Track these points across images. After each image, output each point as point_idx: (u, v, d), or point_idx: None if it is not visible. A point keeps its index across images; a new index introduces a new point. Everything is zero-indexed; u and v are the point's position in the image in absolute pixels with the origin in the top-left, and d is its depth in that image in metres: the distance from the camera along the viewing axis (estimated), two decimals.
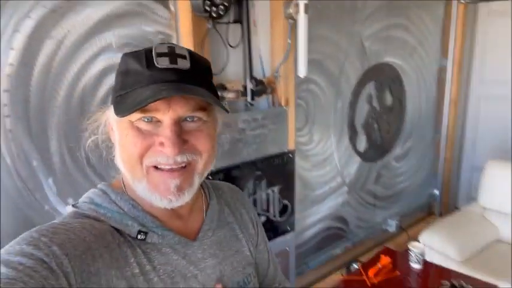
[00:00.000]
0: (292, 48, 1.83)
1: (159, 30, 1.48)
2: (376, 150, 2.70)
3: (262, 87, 1.68)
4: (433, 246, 2.26)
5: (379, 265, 1.88)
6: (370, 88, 2.53)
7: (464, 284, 1.71)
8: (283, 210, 1.94)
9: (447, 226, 2.39)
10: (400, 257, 1.97)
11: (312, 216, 2.31)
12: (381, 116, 2.67)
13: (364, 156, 2.59)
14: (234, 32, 1.63)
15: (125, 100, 0.54)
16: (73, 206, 0.60)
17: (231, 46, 1.60)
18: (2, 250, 0.48)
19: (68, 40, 1.26)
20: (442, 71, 3.19)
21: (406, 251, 1.92)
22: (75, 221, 0.55)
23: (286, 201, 1.95)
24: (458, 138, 3.52)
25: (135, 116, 0.54)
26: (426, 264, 1.89)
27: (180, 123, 0.55)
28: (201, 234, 0.64)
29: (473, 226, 2.43)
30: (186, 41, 1.50)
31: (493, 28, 3.18)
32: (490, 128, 3.37)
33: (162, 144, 0.54)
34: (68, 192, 1.32)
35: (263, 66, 1.81)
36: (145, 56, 0.54)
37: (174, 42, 1.53)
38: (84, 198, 0.61)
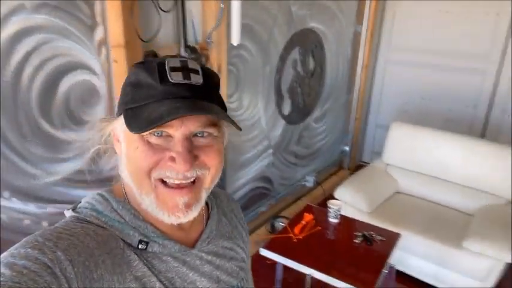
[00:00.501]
0: (225, 13, 1.78)
1: None
2: (299, 113, 2.85)
3: (196, 55, 1.62)
4: (346, 200, 2.54)
5: (303, 222, 2.07)
6: (295, 53, 2.60)
7: (373, 234, 2.00)
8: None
9: (357, 182, 2.69)
10: (320, 213, 2.19)
11: (241, 179, 2.41)
12: (304, 81, 2.79)
13: (288, 119, 2.72)
14: None
15: (138, 115, 0.53)
16: (73, 210, 0.59)
17: (163, 10, 1.49)
18: (6, 253, 0.48)
19: None
20: (356, 37, 3.40)
21: (325, 208, 2.14)
22: (78, 226, 0.54)
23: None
24: (366, 100, 3.88)
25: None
26: (342, 218, 2.14)
27: (191, 138, 0.55)
28: (199, 242, 0.65)
29: (378, 180, 2.78)
30: (112, 3, 1.36)
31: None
32: (393, 90, 3.76)
33: (172, 159, 0.53)
34: None
35: (195, 32, 1.74)
36: (158, 70, 0.53)
37: (99, 3, 1.37)
38: (84, 203, 0.60)
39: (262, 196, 2.68)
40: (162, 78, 0.53)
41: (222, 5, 1.75)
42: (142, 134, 0.53)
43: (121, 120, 0.56)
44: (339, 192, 2.57)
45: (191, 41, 1.71)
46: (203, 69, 0.56)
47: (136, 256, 0.56)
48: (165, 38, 1.60)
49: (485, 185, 2.52)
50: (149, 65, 0.54)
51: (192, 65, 0.55)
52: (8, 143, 1.23)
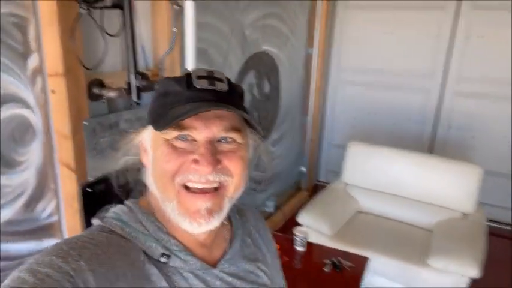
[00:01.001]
0: (178, 37, 1.67)
1: (12, 11, 1.14)
2: None
3: (148, 83, 1.49)
4: (309, 225, 2.47)
5: None
6: (250, 77, 2.54)
7: (342, 260, 1.94)
8: None
9: (318, 204, 2.64)
10: (285, 242, 2.09)
11: None
12: (260, 104, 2.73)
13: None
14: (111, 18, 1.38)
15: (163, 116, 0.55)
16: (100, 219, 0.60)
17: (109, 35, 1.35)
18: (33, 259, 0.49)
19: None
20: (308, 60, 3.44)
21: (289, 235, 2.05)
22: (103, 236, 0.55)
23: None
24: (320, 120, 3.91)
25: (172, 135, 0.55)
26: (308, 245, 2.06)
27: (215, 143, 0.56)
28: (222, 262, 0.65)
29: (339, 201, 2.75)
30: (49, 27, 1.20)
31: (349, 21, 3.55)
32: (344, 110, 3.84)
33: (196, 161, 0.54)
34: None
35: (146, 58, 1.60)
36: (186, 79, 0.56)
37: (33, 27, 1.20)
38: (111, 213, 0.61)
39: None
40: (189, 85, 0.56)
41: (174, 29, 1.64)
42: (168, 138, 0.55)
43: (149, 129, 0.59)
44: (302, 217, 2.50)
45: (142, 67, 1.58)
46: (229, 80, 0.60)
47: (156, 270, 0.56)
48: (112, 64, 1.45)
49: (440, 200, 2.58)
50: (178, 76, 0.58)
51: (218, 74, 0.58)
52: None
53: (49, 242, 1.38)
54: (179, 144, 0.56)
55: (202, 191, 0.56)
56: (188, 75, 0.57)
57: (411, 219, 2.65)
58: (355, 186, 2.86)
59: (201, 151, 0.55)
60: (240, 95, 0.62)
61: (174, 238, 0.60)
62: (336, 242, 2.32)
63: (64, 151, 1.34)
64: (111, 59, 1.44)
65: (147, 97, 1.63)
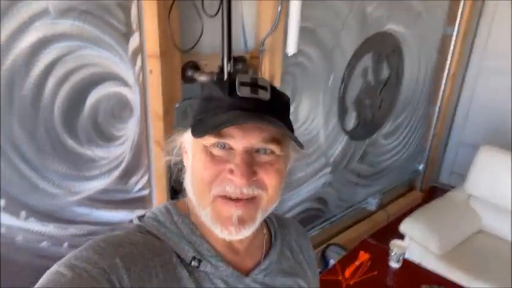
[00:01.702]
0: (282, 17, 1.54)
1: None
2: (365, 127, 2.50)
3: (243, 66, 1.41)
4: (413, 236, 2.17)
5: (356, 263, 1.77)
6: (367, 60, 2.26)
7: None
8: None
9: (429, 214, 2.29)
10: (379, 252, 1.86)
11: (290, 201, 2.16)
12: (375, 91, 2.44)
13: (351, 135, 2.40)
14: None
15: (203, 123, 0.55)
16: (139, 218, 0.61)
17: (208, 15, 1.29)
18: (71, 254, 0.51)
19: None
20: (445, 41, 2.92)
21: (387, 241, 1.81)
22: (139, 235, 0.57)
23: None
24: (450, 113, 3.36)
25: (210, 141, 0.55)
26: (405, 263, 1.80)
27: (253, 153, 0.55)
28: (255, 271, 0.63)
29: (457, 215, 2.34)
30: (149, 7, 1.20)
31: None
32: (484, 104, 3.21)
33: (231, 171, 0.54)
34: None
35: (246, 39, 1.52)
36: (228, 84, 0.56)
37: (135, 7, 1.21)
38: (150, 213, 0.62)
39: (314, 218, 2.41)
40: (231, 91, 0.55)
41: (279, 8, 1.50)
42: (206, 145, 0.55)
43: (190, 132, 0.58)
44: (406, 226, 2.20)
45: (241, 49, 1.50)
46: (273, 88, 0.58)
47: (187, 273, 0.56)
48: (210, 46, 1.41)
49: None
50: (222, 81, 0.58)
51: (261, 82, 0.57)
52: (26, 160, 1.13)
53: (140, 213, 1.47)
54: (217, 152, 0.55)
55: (237, 200, 0.55)
56: (232, 81, 0.56)
57: None
58: (480, 200, 2.39)
59: (237, 161, 0.54)
60: (284, 104, 0.60)
61: (207, 242, 0.60)
62: (443, 265, 1.99)
63: (156, 130, 1.37)
64: (209, 40, 1.39)
65: None
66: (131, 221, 0.63)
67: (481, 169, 2.38)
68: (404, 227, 2.19)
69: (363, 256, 1.81)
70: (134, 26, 1.24)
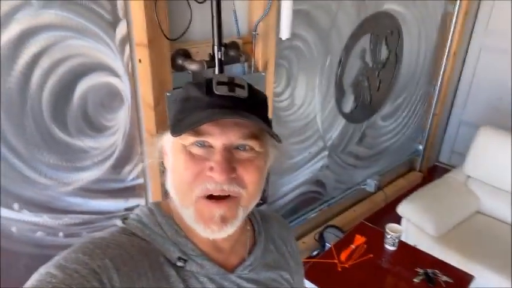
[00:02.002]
0: (275, 1, 1.49)
1: None
2: (364, 110, 2.48)
3: (235, 54, 1.38)
4: (410, 218, 2.18)
5: (352, 246, 1.79)
6: (364, 42, 2.22)
7: (439, 273, 1.66)
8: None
9: (427, 196, 2.29)
10: (375, 234, 1.88)
11: (288, 184, 2.17)
12: (373, 73, 2.40)
13: (349, 118, 2.38)
14: None
15: (181, 122, 0.56)
16: (123, 221, 0.61)
17: (197, 1, 1.26)
18: (59, 256, 0.51)
19: None
20: (446, 19, 2.84)
21: (384, 223, 1.83)
22: (124, 237, 0.57)
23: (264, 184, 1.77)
24: (451, 92, 3.31)
25: (189, 140, 0.55)
26: (401, 245, 1.82)
27: (232, 150, 0.55)
28: (240, 268, 0.64)
29: (454, 196, 2.34)
30: None
31: None
32: (485, 82, 3.16)
33: (211, 169, 0.54)
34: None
35: (238, 24, 1.48)
36: (206, 85, 0.56)
37: None
38: (133, 214, 0.62)
39: (312, 201, 2.42)
40: (209, 90, 0.55)
41: None
42: (185, 144, 0.55)
43: (169, 134, 0.58)
44: (403, 208, 2.21)
45: (233, 35, 1.47)
46: (250, 86, 0.59)
47: (175, 273, 0.57)
48: (200, 33, 1.38)
49: None
50: (200, 82, 0.57)
51: (238, 81, 0.57)
52: (15, 153, 1.13)
53: (135, 201, 1.48)
54: (196, 150, 0.55)
55: (218, 199, 0.56)
56: (209, 81, 0.56)
57: None
58: (479, 181, 2.38)
59: (216, 158, 0.54)
60: (262, 102, 0.61)
61: (191, 242, 0.61)
62: (440, 246, 2.00)
63: (148, 119, 1.36)
64: (199, 27, 1.36)
65: (236, 67, 1.53)
66: (116, 224, 0.62)
67: (480, 150, 2.36)
68: (401, 208, 2.20)
69: (359, 239, 1.83)
70: (121, 14, 1.21)
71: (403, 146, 3.12)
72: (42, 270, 0.49)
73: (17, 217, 1.19)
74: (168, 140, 0.60)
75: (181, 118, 0.57)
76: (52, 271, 0.48)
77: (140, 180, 1.47)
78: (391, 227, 1.79)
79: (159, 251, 0.58)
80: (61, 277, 0.47)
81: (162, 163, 0.64)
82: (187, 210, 0.57)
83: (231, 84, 0.56)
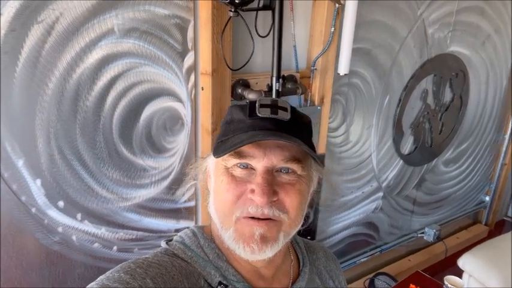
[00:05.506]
0: (335, 38, 1.53)
1: (175, 13, 1.24)
2: (424, 152, 2.37)
3: (292, 86, 1.42)
4: (472, 273, 1.98)
5: None
6: (426, 83, 2.16)
7: None
8: (304, 219, 1.74)
9: (493, 250, 2.07)
10: (432, 287, 1.73)
11: (338, 223, 2.09)
12: (435, 115, 2.31)
13: (407, 160, 2.28)
14: (265, 19, 1.36)
15: (224, 144, 0.56)
16: (166, 242, 0.62)
17: (260, 36, 1.33)
18: (103, 276, 0.52)
19: (60, 25, 1.07)
20: None
21: (441, 283, 1.68)
22: (166, 258, 0.57)
23: (308, 210, 1.73)
24: None
25: (231, 162, 0.55)
26: None
27: (274, 173, 0.55)
28: None
29: None
30: (204, 28, 1.26)
31: None
32: None
33: (253, 191, 0.54)
34: (58, 194, 1.20)
35: (297, 59, 1.53)
36: (249, 107, 0.57)
37: (191, 28, 1.29)
38: (177, 236, 0.63)
39: (363, 244, 2.30)
40: (251, 113, 0.56)
41: (332, 28, 1.51)
42: (228, 166, 0.56)
43: (212, 156, 0.59)
44: (464, 261, 2.02)
45: (291, 67, 1.52)
46: (293, 108, 0.58)
47: None
48: (261, 65, 1.44)
49: None
50: (243, 104, 0.58)
51: (281, 103, 0.57)
52: (85, 166, 1.23)
53: (185, 223, 1.51)
54: (238, 173, 0.56)
55: (258, 219, 0.55)
56: (252, 104, 0.57)
57: None
58: None
59: (257, 180, 0.54)
60: (305, 124, 0.60)
61: (233, 267, 0.60)
62: None
63: (205, 144, 1.42)
64: (260, 59, 1.43)
65: (293, 99, 1.57)
66: (161, 245, 0.64)
67: None
68: (463, 262, 2.01)
69: None
70: (190, 45, 1.31)
71: (468, 196, 2.89)
72: None
73: (78, 226, 1.27)
74: (211, 162, 0.61)
75: (224, 140, 0.57)
76: None
77: (192, 203, 1.51)
78: (450, 279, 1.64)
79: (200, 273, 0.57)
80: None
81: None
82: (228, 231, 0.57)
83: (274, 106, 0.56)
